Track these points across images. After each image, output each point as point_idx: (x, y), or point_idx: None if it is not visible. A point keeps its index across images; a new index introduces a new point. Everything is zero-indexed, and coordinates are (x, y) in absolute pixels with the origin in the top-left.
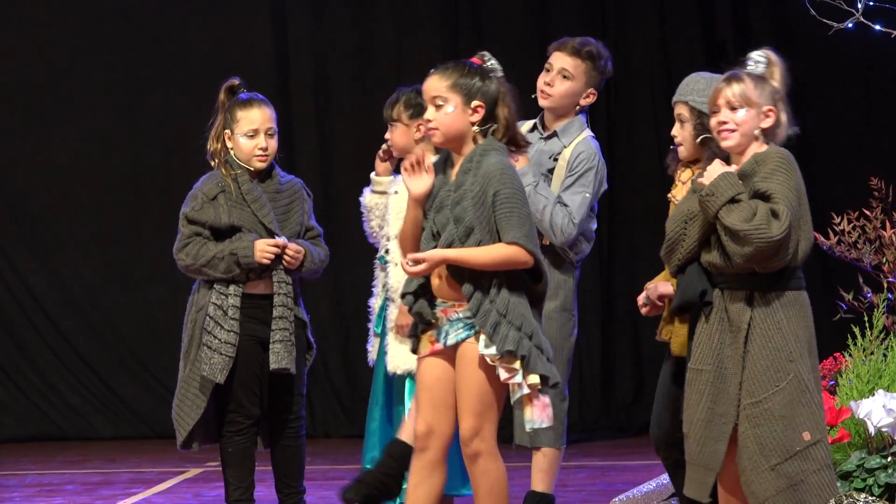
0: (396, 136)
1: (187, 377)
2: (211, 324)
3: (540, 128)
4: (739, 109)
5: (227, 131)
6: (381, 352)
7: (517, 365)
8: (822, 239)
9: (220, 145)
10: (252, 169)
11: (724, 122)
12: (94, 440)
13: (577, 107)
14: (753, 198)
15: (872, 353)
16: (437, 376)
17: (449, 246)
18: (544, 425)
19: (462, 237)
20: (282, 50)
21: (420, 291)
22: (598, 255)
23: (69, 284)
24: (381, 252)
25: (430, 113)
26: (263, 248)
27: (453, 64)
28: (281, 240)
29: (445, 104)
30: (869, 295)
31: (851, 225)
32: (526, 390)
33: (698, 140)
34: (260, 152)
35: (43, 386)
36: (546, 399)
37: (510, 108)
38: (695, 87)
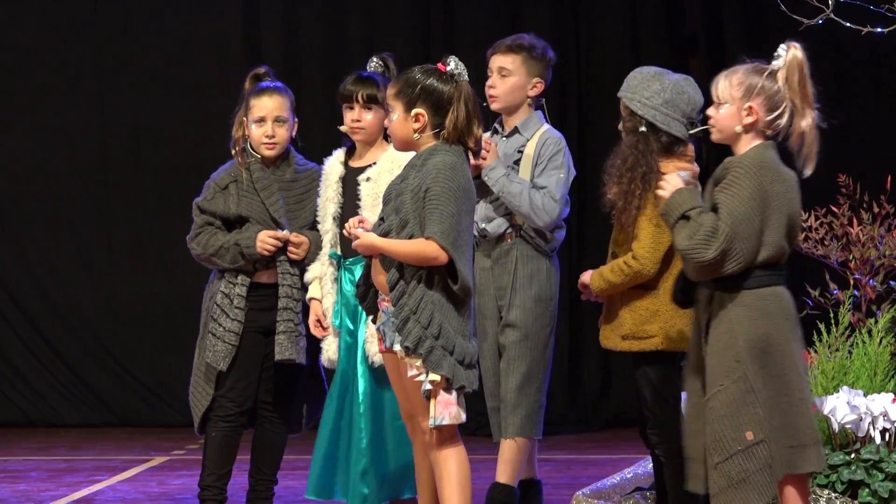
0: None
1: (198, 364)
2: (217, 311)
3: (500, 129)
4: (721, 105)
5: (245, 119)
6: (346, 346)
7: (419, 364)
8: None
9: (241, 133)
10: (262, 157)
11: (710, 116)
12: (59, 427)
13: (528, 99)
14: (712, 209)
15: (838, 350)
16: (393, 371)
17: (385, 235)
18: (445, 422)
19: (398, 228)
20: (253, 39)
21: (365, 281)
22: (568, 248)
23: (36, 270)
24: (332, 248)
25: (386, 120)
26: (264, 240)
27: (406, 72)
28: (283, 232)
29: (392, 111)
30: (835, 292)
31: (819, 222)
32: (428, 386)
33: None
34: (266, 140)
35: (8, 371)
36: (450, 396)
37: (465, 112)
38: (630, 84)
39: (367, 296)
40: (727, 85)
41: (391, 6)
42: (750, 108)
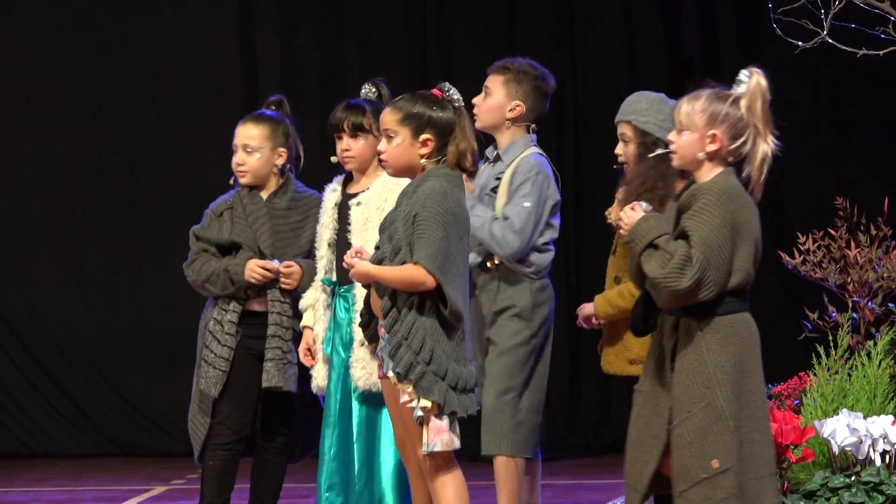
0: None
1: (195, 393)
2: (209, 338)
3: (489, 155)
4: (684, 132)
5: None
6: (338, 374)
7: (410, 390)
8: (787, 258)
9: None
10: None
11: (671, 142)
12: (59, 458)
13: (507, 122)
14: (680, 235)
15: (837, 373)
16: (390, 397)
17: (379, 262)
18: (437, 449)
19: (391, 256)
20: (249, 65)
21: (367, 310)
22: (566, 273)
23: (34, 300)
24: (326, 274)
25: (382, 145)
26: (252, 268)
27: (408, 96)
28: (272, 263)
29: (395, 137)
30: (834, 314)
31: (816, 244)
32: (420, 413)
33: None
34: (235, 167)
35: (8, 403)
36: (441, 423)
37: (464, 138)
38: (637, 107)
39: (368, 325)
40: (690, 111)
41: (388, 33)
42: (714, 135)
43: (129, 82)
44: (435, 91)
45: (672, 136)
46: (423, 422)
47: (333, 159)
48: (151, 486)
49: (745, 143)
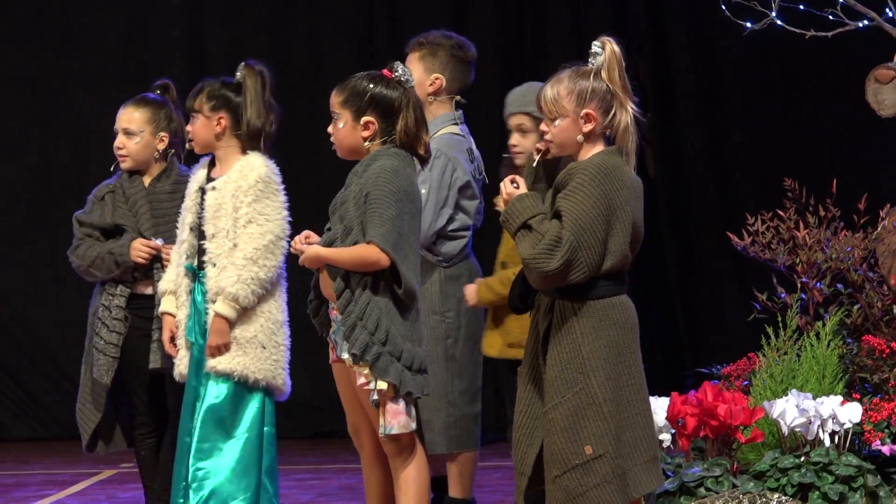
0: (198, 127)
1: (85, 380)
2: (98, 324)
3: None
4: (555, 119)
5: None
6: (196, 361)
7: (366, 370)
8: (736, 239)
9: None
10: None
11: (545, 132)
12: (6, 441)
13: (429, 96)
14: (555, 216)
15: (786, 354)
16: (342, 381)
17: (331, 244)
18: (394, 431)
19: (342, 237)
20: (196, 48)
21: (317, 295)
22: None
23: None
24: (188, 259)
25: (331, 127)
26: (138, 248)
27: (351, 79)
28: (156, 241)
29: (339, 119)
30: (783, 295)
31: (765, 225)
32: (376, 396)
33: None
34: (116, 150)
35: None
36: (397, 406)
37: (412, 119)
38: (525, 100)
39: (318, 310)
40: (556, 97)
41: (336, 14)
42: (587, 114)
43: (74, 65)
44: (385, 71)
45: (543, 127)
46: (378, 404)
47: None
48: (100, 469)
49: (615, 114)
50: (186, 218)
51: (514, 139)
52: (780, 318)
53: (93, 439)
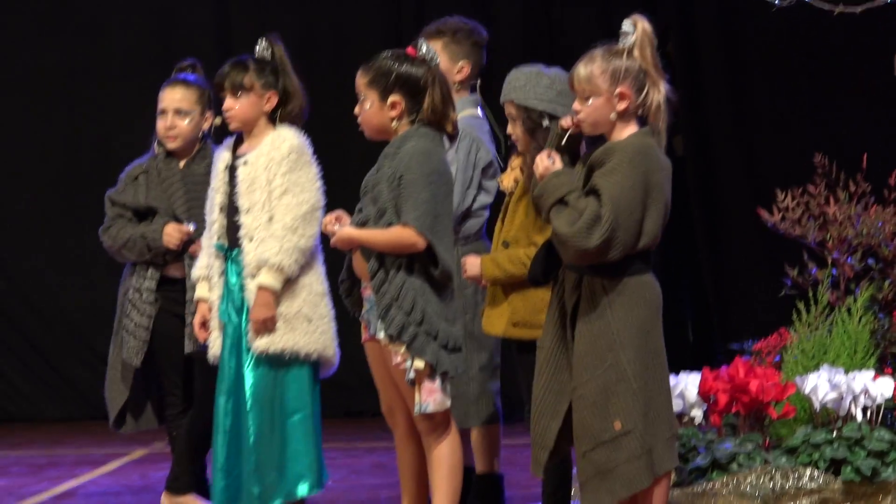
0: (245, 106)
1: (114, 360)
2: (129, 307)
3: None
4: (588, 98)
5: None
6: (232, 341)
7: (403, 349)
8: (767, 216)
9: None
10: (168, 150)
11: (577, 112)
12: (39, 421)
13: (457, 85)
14: (590, 192)
15: (817, 329)
16: (376, 361)
17: (363, 225)
18: (430, 409)
19: (376, 218)
20: (223, 35)
21: (349, 276)
22: None
23: (11, 267)
24: (219, 239)
25: (357, 108)
26: (170, 233)
27: (377, 58)
28: (188, 226)
29: (365, 100)
30: (813, 271)
31: (795, 202)
32: (412, 374)
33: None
34: (166, 132)
35: None
36: (433, 384)
37: (438, 96)
38: (516, 84)
39: (351, 291)
40: (590, 75)
41: (364, 7)
42: (621, 93)
43: (100, 49)
44: (409, 49)
45: (576, 105)
46: (414, 382)
47: (218, 120)
48: (132, 448)
49: (648, 92)
50: (216, 198)
51: (509, 127)
52: (811, 294)
53: (120, 417)
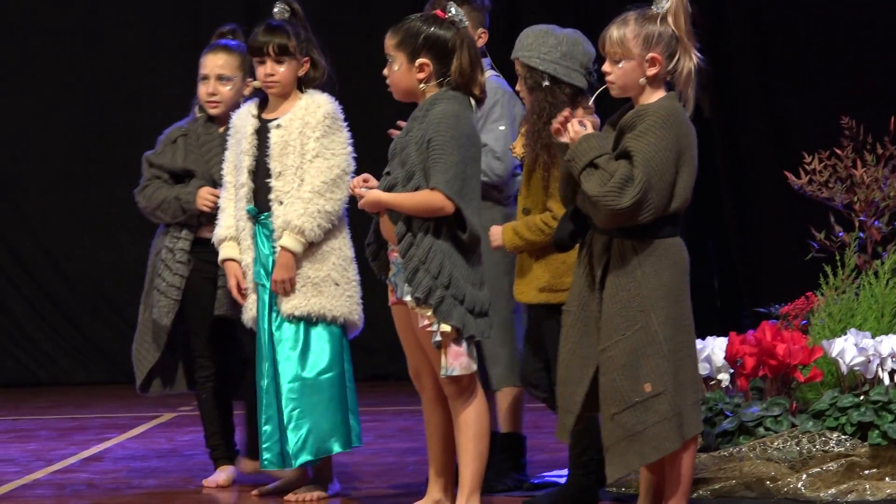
0: (288, 71)
1: (144, 321)
2: (161, 266)
3: None
4: (620, 61)
5: None
6: (265, 304)
7: (429, 312)
8: (793, 178)
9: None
10: (209, 115)
11: (607, 73)
12: (66, 385)
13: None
14: (621, 155)
15: (844, 292)
16: (402, 324)
17: (391, 189)
18: (456, 373)
19: (404, 181)
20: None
21: (376, 238)
22: None
23: (38, 230)
24: (248, 203)
25: (386, 70)
26: (204, 196)
27: (406, 21)
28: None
29: (394, 63)
30: (840, 234)
31: (822, 164)
32: (438, 338)
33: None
34: (208, 97)
35: (15, 332)
36: (459, 348)
37: (467, 59)
38: (524, 43)
39: (378, 254)
40: (622, 39)
41: None
42: (653, 58)
43: (128, 11)
44: (438, 12)
45: (606, 68)
46: (440, 346)
47: (256, 84)
48: (159, 412)
49: (680, 59)
50: (244, 161)
51: (518, 84)
52: (837, 257)
53: (147, 380)
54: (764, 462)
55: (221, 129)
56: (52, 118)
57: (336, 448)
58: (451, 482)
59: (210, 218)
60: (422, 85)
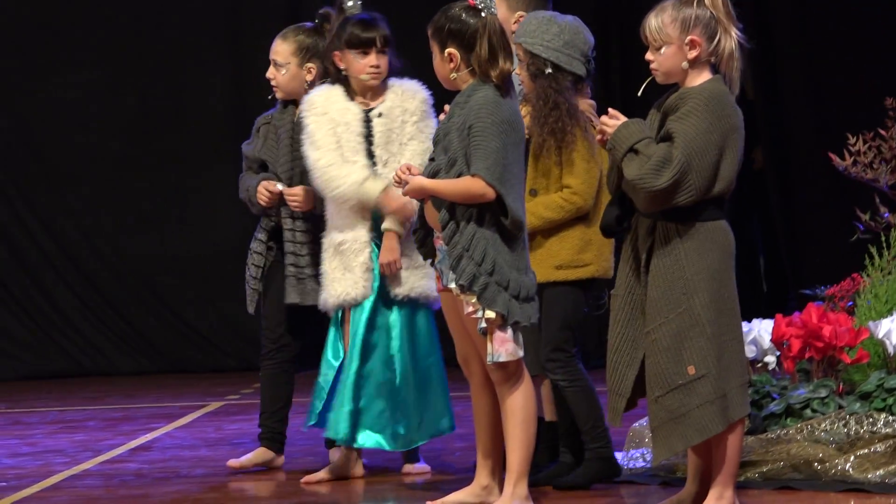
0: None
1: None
2: (249, 255)
3: None
4: (661, 48)
5: None
6: (379, 284)
7: (474, 299)
8: (838, 160)
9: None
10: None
11: (650, 61)
12: (114, 376)
13: (513, 34)
14: (665, 138)
15: (890, 273)
16: (450, 310)
17: (434, 175)
18: (502, 359)
19: (447, 168)
20: None
21: (422, 225)
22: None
23: (84, 221)
24: None
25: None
26: (261, 190)
27: (439, 12)
28: (277, 186)
29: (433, 53)
30: (886, 215)
31: (867, 145)
32: (484, 324)
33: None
34: (270, 81)
35: (63, 323)
36: (505, 334)
37: (486, 47)
38: (527, 29)
39: (425, 240)
40: (660, 25)
41: None
42: (692, 41)
43: (170, 2)
44: (470, 0)
45: (649, 56)
46: (486, 332)
47: (364, 77)
48: (207, 401)
49: (720, 40)
50: (360, 147)
51: (518, 69)
52: (883, 238)
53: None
54: (811, 444)
55: (296, 114)
56: (97, 109)
57: (445, 429)
58: (500, 467)
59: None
60: (453, 74)
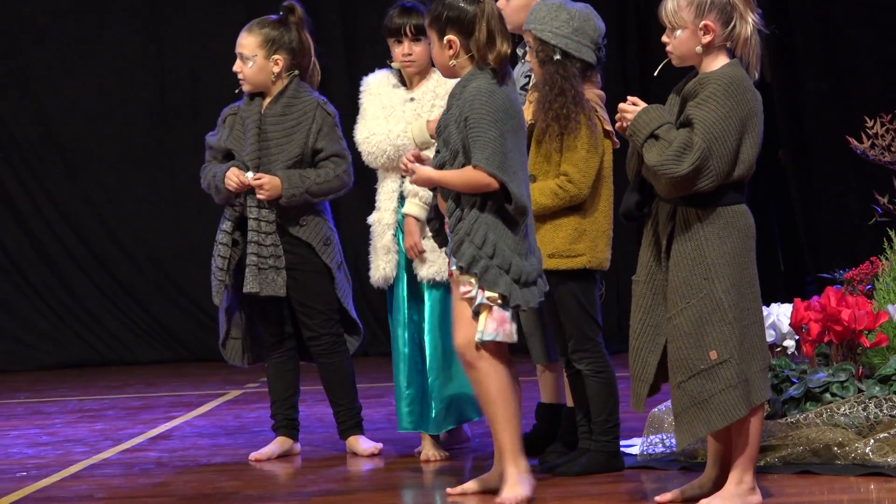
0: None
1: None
2: (214, 247)
3: (520, 54)
4: (675, 30)
5: None
6: (404, 265)
7: (473, 281)
8: (856, 143)
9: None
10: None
11: (666, 44)
12: (133, 365)
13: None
14: (685, 123)
15: None
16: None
17: (442, 166)
18: (499, 338)
19: (450, 160)
20: None
21: (436, 214)
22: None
23: (103, 211)
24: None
25: (432, 50)
26: (230, 176)
27: (435, 2)
28: (246, 175)
29: (431, 42)
30: None
31: (885, 128)
32: (480, 300)
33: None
34: (237, 75)
35: (82, 313)
36: (504, 315)
37: (484, 32)
38: (537, 16)
39: (440, 230)
40: (675, 9)
41: None
42: (706, 26)
43: None
44: None
45: (665, 38)
46: (479, 311)
47: (395, 64)
48: (226, 390)
49: (735, 25)
50: (402, 135)
51: (527, 55)
52: None
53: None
54: (831, 428)
55: (264, 106)
56: (115, 99)
57: (475, 415)
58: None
59: (245, 197)
60: (452, 62)
